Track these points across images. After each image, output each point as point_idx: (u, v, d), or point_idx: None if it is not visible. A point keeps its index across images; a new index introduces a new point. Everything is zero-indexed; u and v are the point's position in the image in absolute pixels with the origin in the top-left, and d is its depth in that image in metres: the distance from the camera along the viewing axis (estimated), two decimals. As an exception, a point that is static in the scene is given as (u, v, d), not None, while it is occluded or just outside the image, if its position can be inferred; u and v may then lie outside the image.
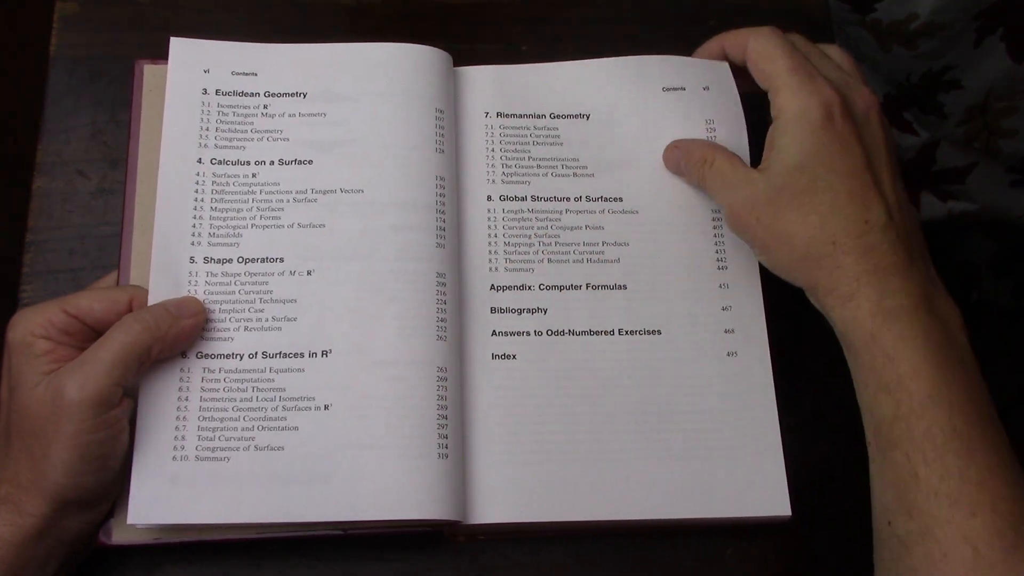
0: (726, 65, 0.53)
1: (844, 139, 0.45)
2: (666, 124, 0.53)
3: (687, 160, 0.50)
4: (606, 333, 0.49)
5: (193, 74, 0.50)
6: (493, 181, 0.52)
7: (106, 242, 0.52)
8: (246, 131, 0.50)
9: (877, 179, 0.45)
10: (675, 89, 0.53)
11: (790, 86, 0.46)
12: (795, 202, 0.45)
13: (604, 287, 0.50)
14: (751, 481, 0.47)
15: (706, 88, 0.53)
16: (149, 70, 0.50)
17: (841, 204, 0.44)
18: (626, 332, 0.50)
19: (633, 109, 0.53)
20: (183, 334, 0.45)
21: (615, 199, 0.52)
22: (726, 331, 0.50)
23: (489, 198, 0.52)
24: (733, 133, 0.52)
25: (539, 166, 0.52)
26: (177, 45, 0.50)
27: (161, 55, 0.50)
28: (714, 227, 0.52)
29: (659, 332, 0.50)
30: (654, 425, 0.48)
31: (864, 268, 0.43)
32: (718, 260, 0.51)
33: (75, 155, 0.54)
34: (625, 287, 0.50)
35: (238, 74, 0.50)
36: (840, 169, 0.45)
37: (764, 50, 0.48)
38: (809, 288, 0.45)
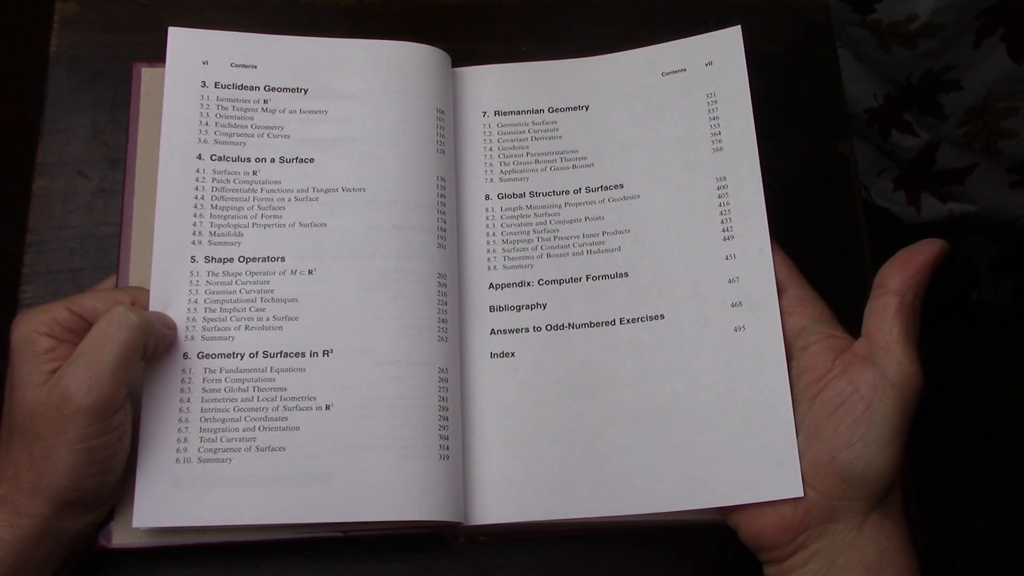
0: (737, 30, 0.51)
1: None
2: (666, 106, 0.52)
3: None
4: (607, 324, 0.49)
5: (191, 66, 0.49)
6: (491, 180, 0.52)
7: (106, 242, 0.52)
8: (246, 127, 0.49)
9: None
10: (675, 72, 0.52)
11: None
12: None
13: (605, 277, 0.50)
14: (760, 463, 0.44)
15: (709, 63, 0.52)
16: (147, 73, 0.50)
17: None
18: (627, 321, 0.49)
19: (632, 96, 0.53)
20: (166, 339, 0.45)
21: (616, 186, 0.51)
22: (733, 305, 0.47)
23: (487, 197, 0.52)
24: (736, 103, 0.50)
25: (537, 161, 0.52)
26: (175, 35, 0.49)
27: (160, 57, 0.50)
28: (719, 196, 0.49)
29: (662, 317, 0.48)
30: (656, 417, 0.47)
31: None
32: (724, 231, 0.49)
33: (75, 155, 0.54)
34: (627, 275, 0.49)
35: (237, 66, 0.50)
36: None
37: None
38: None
